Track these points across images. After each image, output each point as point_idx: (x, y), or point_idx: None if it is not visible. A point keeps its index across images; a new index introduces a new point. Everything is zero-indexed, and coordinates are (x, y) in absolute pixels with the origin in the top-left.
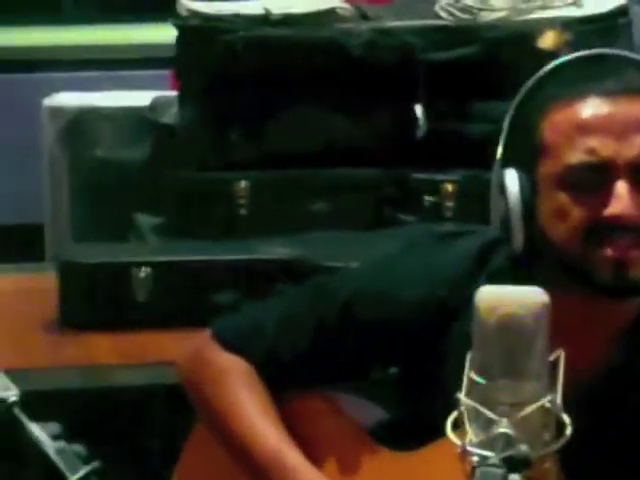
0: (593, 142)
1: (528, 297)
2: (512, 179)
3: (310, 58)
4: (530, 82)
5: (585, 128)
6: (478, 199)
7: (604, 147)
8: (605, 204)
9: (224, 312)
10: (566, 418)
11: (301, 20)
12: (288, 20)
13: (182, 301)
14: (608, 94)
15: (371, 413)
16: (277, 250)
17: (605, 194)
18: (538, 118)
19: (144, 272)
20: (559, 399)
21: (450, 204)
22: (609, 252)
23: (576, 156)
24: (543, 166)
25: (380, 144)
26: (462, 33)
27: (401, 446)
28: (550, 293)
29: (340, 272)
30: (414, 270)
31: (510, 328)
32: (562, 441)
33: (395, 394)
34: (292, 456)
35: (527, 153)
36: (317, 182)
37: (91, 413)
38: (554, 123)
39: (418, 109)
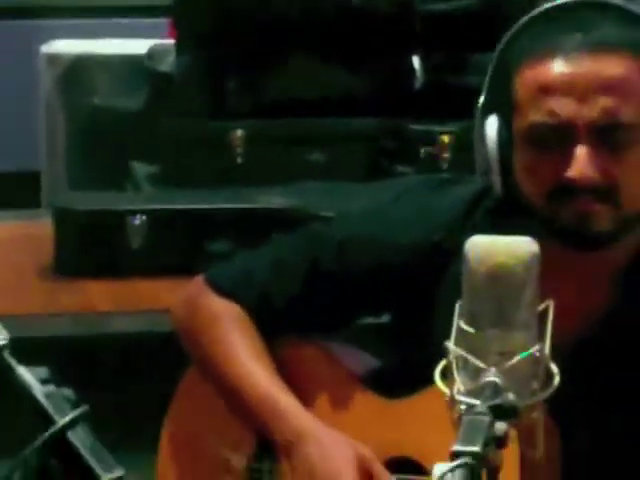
0: (554, 103)
1: (518, 247)
2: (492, 128)
3: (308, 8)
4: (510, 32)
5: (548, 88)
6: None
7: (564, 109)
8: (567, 164)
9: (219, 260)
10: (554, 368)
11: None
12: None
13: (177, 249)
14: (574, 53)
15: (363, 361)
16: (273, 199)
17: (567, 154)
18: (512, 72)
19: (139, 220)
20: (547, 349)
21: (446, 155)
22: (572, 208)
23: (538, 116)
24: (515, 120)
25: (377, 95)
26: None
27: (392, 393)
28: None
29: (334, 218)
30: (409, 215)
31: (500, 277)
32: (549, 390)
33: (387, 342)
34: (283, 398)
35: (505, 105)
36: (313, 132)
37: (84, 360)
38: (524, 80)
39: (416, 60)
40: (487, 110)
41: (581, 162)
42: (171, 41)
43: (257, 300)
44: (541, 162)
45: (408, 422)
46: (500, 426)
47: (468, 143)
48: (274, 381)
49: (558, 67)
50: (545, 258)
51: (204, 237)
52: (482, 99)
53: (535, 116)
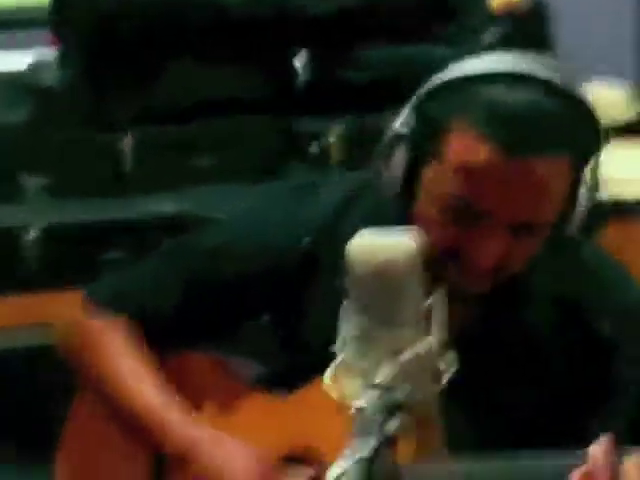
0: (481, 192)
1: (399, 243)
2: (400, 164)
3: (187, 15)
4: (447, 73)
5: (477, 175)
6: (363, 145)
7: (490, 201)
8: (472, 242)
9: (113, 270)
10: (445, 361)
11: None
12: None
13: (70, 261)
14: (509, 146)
15: (252, 369)
16: (164, 206)
17: (476, 233)
18: (441, 126)
19: (32, 234)
20: (436, 343)
21: (335, 151)
22: (458, 272)
23: (460, 192)
24: (432, 171)
25: (262, 95)
26: None
27: (282, 393)
28: None
29: (205, 227)
30: (277, 220)
31: (382, 276)
32: (441, 385)
33: (270, 347)
34: (173, 411)
35: (429, 139)
36: (201, 136)
37: None
38: (453, 146)
39: (300, 57)
40: (399, 136)
41: (489, 251)
42: (52, 52)
43: (138, 314)
44: (444, 225)
45: (301, 415)
46: (392, 424)
47: (356, 137)
48: (162, 394)
49: (496, 157)
50: None
51: (98, 248)
52: (404, 116)
53: (457, 191)
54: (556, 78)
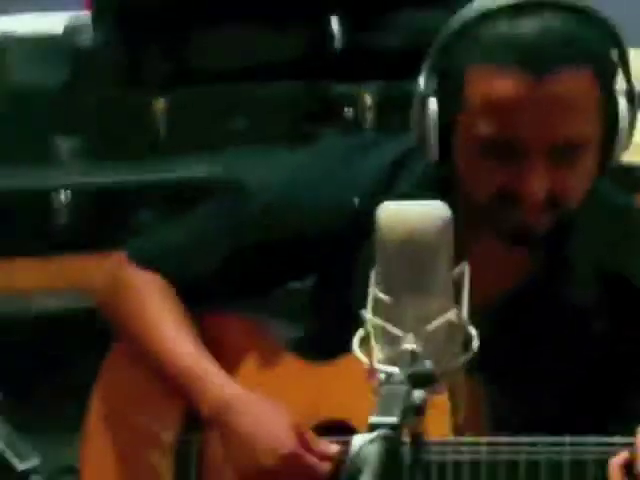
0: (510, 122)
1: (430, 212)
2: (433, 109)
3: None
4: (461, 19)
5: (504, 104)
6: (398, 110)
7: (521, 128)
8: (519, 177)
9: (146, 232)
10: (473, 331)
11: None
12: None
13: (104, 223)
14: (531, 67)
15: (288, 331)
16: (198, 168)
17: (520, 167)
18: (462, 69)
19: (64, 195)
20: (465, 313)
21: (369, 115)
22: (515, 215)
23: (491, 130)
24: (464, 116)
25: (298, 58)
26: None
27: (317, 358)
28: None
29: (253, 186)
30: (329, 178)
31: (413, 243)
32: (469, 355)
33: (310, 310)
34: (209, 368)
35: (451, 94)
36: (235, 99)
37: (10, 337)
38: (475, 85)
39: (335, 21)
40: (428, 91)
41: (535, 181)
42: (87, 13)
43: (179, 270)
44: (488, 168)
45: (331, 385)
46: (418, 394)
47: (390, 102)
48: (198, 351)
49: (515, 84)
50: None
51: (130, 210)
52: (422, 80)
53: (488, 129)
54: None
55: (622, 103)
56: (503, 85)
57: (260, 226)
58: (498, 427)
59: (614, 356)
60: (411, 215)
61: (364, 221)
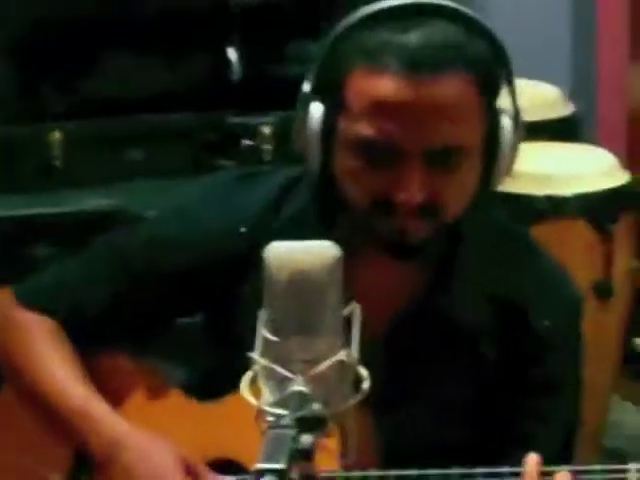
0: (388, 124)
1: (319, 251)
2: (316, 114)
3: (120, 5)
4: (342, 25)
5: (382, 106)
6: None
7: (399, 130)
8: (395, 182)
9: (42, 267)
10: (364, 372)
11: None
12: None
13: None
14: (411, 69)
15: (177, 373)
16: (94, 201)
17: (396, 172)
18: (343, 71)
19: None
20: (355, 353)
21: (268, 147)
22: (392, 222)
23: (370, 132)
24: (341, 121)
25: (195, 89)
26: None
27: (208, 397)
28: (348, 239)
29: (139, 223)
30: (214, 210)
31: (301, 284)
32: (360, 395)
33: (199, 347)
34: (98, 408)
35: (332, 98)
36: (133, 130)
37: None
38: (355, 86)
39: (232, 51)
40: (311, 97)
41: (411, 186)
42: None
43: (68, 311)
44: (366, 173)
45: (223, 424)
46: (306, 438)
47: (289, 134)
48: (88, 391)
49: (394, 85)
50: (357, 250)
51: (26, 243)
52: (307, 85)
53: (366, 130)
54: (445, 4)
55: (506, 122)
56: (382, 85)
57: (145, 261)
58: (390, 459)
59: (502, 381)
60: (299, 255)
61: (251, 249)
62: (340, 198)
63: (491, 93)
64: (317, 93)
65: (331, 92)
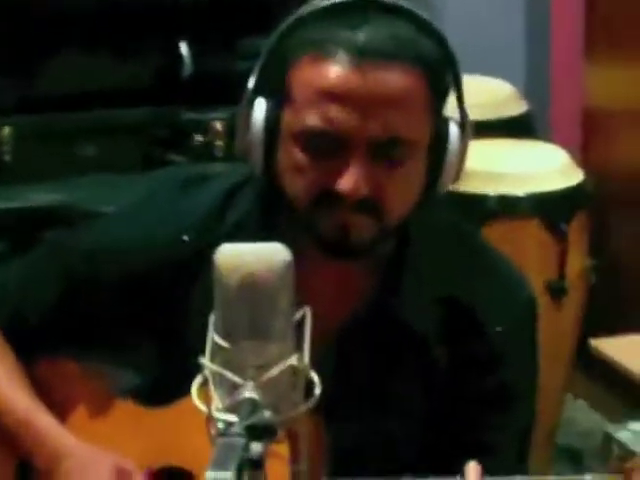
0: (333, 111)
1: (269, 254)
2: (259, 113)
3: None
4: (290, 18)
5: (327, 94)
6: None
7: (344, 119)
8: (339, 173)
9: None
10: (315, 377)
11: None
12: None
13: None
14: (358, 58)
15: (125, 378)
16: (44, 197)
17: (340, 163)
18: (288, 63)
19: None
20: (307, 358)
21: (220, 142)
22: (333, 218)
23: (315, 121)
24: (287, 114)
25: (147, 84)
26: None
27: (155, 403)
28: (293, 242)
29: (84, 225)
30: (156, 216)
31: (252, 287)
32: (312, 401)
33: (148, 353)
34: (42, 420)
35: (276, 93)
36: (83, 124)
37: None
38: (300, 77)
39: (184, 47)
40: (256, 93)
41: (354, 176)
42: None
43: (9, 319)
44: (310, 166)
45: (172, 430)
46: (256, 447)
47: None
48: (31, 403)
49: (340, 73)
50: (303, 253)
51: None
52: (252, 81)
53: (311, 120)
54: (396, 2)
55: (453, 126)
56: (327, 73)
57: (87, 271)
58: (340, 465)
59: (455, 388)
60: (249, 258)
61: (196, 257)
62: (283, 197)
63: (438, 92)
64: (261, 89)
65: (276, 86)
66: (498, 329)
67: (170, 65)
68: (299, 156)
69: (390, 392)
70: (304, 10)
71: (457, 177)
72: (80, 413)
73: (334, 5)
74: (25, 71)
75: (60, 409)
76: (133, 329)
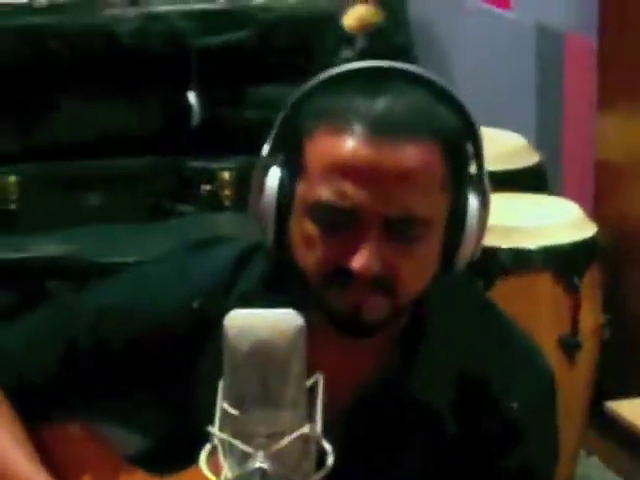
0: (348, 187)
1: (281, 320)
2: (273, 182)
3: (78, 46)
4: (308, 84)
5: (342, 169)
6: None
7: (357, 195)
8: (352, 250)
9: None
10: (327, 446)
11: (68, 7)
12: (54, 7)
13: None
14: (373, 132)
15: (132, 442)
16: (49, 247)
17: (354, 238)
18: (304, 133)
19: None
20: (319, 427)
21: (228, 192)
22: (346, 297)
23: (329, 195)
24: (301, 186)
25: (154, 133)
26: (234, 16)
27: (163, 471)
28: (304, 313)
29: (90, 288)
30: (166, 279)
31: (262, 355)
32: (324, 471)
33: (155, 418)
34: None
35: (291, 163)
36: (90, 174)
37: None
38: (316, 148)
39: (192, 96)
40: (270, 160)
41: (366, 254)
42: None
43: (12, 381)
44: (322, 240)
45: None
46: None
47: (249, 178)
48: (33, 467)
49: (355, 147)
50: (314, 326)
51: None
52: (266, 148)
53: (325, 194)
54: (414, 69)
55: (472, 200)
56: (343, 146)
57: (93, 335)
58: None
59: (467, 468)
60: (260, 324)
61: (202, 325)
62: (295, 270)
63: (457, 165)
64: (275, 157)
65: (290, 156)
66: (515, 405)
67: (178, 114)
68: (311, 229)
69: (400, 469)
70: (318, 78)
71: (476, 252)
72: (84, 478)
73: (351, 72)
74: (30, 119)
75: (67, 475)
76: (140, 393)
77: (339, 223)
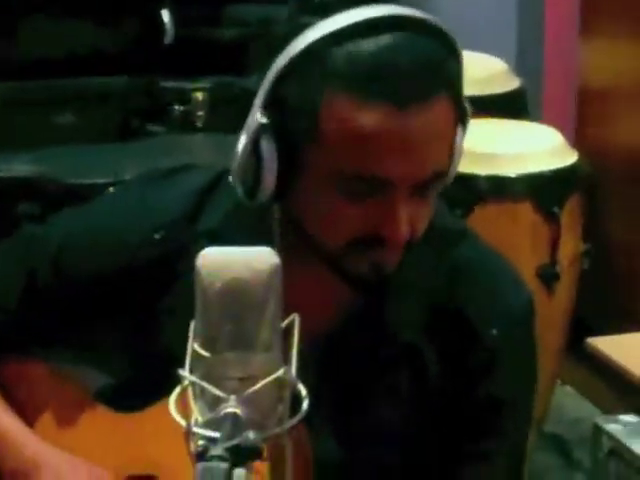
0: (377, 158)
1: (257, 259)
2: (270, 149)
3: None
4: (304, 37)
5: (369, 140)
6: (229, 107)
7: (389, 165)
8: (382, 217)
9: None
10: (302, 389)
11: None
12: None
13: None
14: (400, 102)
15: (96, 379)
16: (18, 167)
17: (382, 206)
18: (317, 96)
19: None
20: (294, 370)
21: (201, 113)
22: (368, 258)
23: (354, 167)
24: (314, 153)
25: (126, 51)
26: None
27: (128, 408)
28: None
29: (52, 220)
30: (126, 213)
31: (236, 293)
32: (299, 416)
33: (119, 353)
34: (12, 426)
35: (296, 123)
36: (61, 92)
37: None
38: (335, 116)
39: (165, 14)
40: (267, 112)
41: (401, 222)
42: None
43: None
44: (348, 209)
45: (147, 437)
46: (239, 473)
47: (223, 99)
48: (1, 411)
49: (383, 121)
50: (289, 261)
51: None
52: (261, 97)
53: (351, 164)
54: (415, 14)
55: (459, 132)
56: (364, 118)
57: (55, 268)
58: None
59: (447, 399)
60: (235, 262)
61: (166, 258)
62: (303, 237)
63: (462, 108)
64: (275, 120)
65: (297, 119)
66: (494, 332)
67: (151, 32)
68: (333, 197)
69: (377, 404)
70: (319, 31)
71: (449, 178)
72: (50, 417)
73: (359, 25)
74: (1, 37)
75: (28, 413)
76: (102, 329)
77: (366, 192)
